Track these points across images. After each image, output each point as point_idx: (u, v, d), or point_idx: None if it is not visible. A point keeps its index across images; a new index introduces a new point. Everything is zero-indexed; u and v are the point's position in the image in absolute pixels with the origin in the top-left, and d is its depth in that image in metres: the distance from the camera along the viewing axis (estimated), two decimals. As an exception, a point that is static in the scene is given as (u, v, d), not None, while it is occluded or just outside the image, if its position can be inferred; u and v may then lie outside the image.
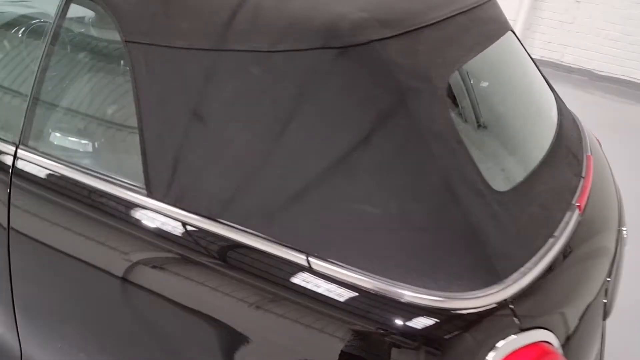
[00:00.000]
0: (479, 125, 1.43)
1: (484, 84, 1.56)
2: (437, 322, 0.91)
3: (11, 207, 1.27)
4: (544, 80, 1.74)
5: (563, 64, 6.34)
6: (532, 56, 1.78)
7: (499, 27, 1.52)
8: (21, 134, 1.27)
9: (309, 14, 1.06)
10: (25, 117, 1.28)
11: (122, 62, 1.23)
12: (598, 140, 1.84)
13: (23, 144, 1.27)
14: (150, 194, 1.11)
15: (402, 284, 0.93)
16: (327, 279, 0.96)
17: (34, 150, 1.26)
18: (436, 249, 0.96)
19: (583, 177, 1.38)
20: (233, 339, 1.05)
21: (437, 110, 1.04)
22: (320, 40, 1.02)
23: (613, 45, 6.03)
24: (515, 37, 1.68)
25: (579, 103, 4.32)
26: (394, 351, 0.91)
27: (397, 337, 0.91)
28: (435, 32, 1.16)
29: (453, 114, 1.11)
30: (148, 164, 1.10)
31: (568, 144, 1.49)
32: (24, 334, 1.40)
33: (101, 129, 1.30)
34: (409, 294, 0.92)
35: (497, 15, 1.55)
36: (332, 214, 0.98)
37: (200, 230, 1.06)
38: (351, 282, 0.95)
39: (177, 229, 1.08)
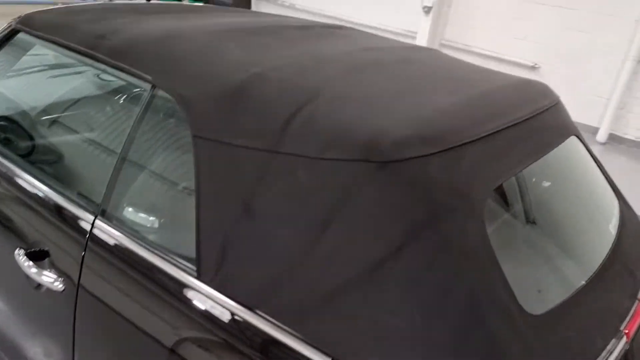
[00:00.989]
0: (526, 233, 1.42)
1: (536, 187, 1.55)
2: None
3: (83, 267, 1.42)
4: (609, 187, 1.69)
5: (659, 146, 5.96)
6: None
7: (560, 133, 1.52)
8: (100, 206, 1.44)
9: (355, 127, 1.14)
10: (105, 191, 1.44)
11: (189, 153, 1.37)
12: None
13: (101, 215, 1.43)
14: (199, 277, 1.20)
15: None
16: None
17: (109, 221, 1.41)
18: None
19: (638, 300, 1.31)
20: None
21: (472, 227, 1.06)
22: (363, 153, 1.09)
23: None
24: (580, 142, 1.66)
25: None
26: None
27: None
28: (481, 147, 1.19)
29: (493, 226, 1.13)
30: (201, 249, 1.20)
31: (625, 260, 1.43)
32: None
33: (166, 210, 1.44)
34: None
35: (558, 121, 1.54)
36: (359, 320, 1.02)
37: (240, 318, 1.14)
38: None
39: (221, 314, 1.16)
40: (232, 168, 1.20)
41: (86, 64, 1.65)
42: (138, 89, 1.62)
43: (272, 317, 1.09)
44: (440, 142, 1.12)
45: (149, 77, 1.40)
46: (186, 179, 1.39)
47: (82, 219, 1.45)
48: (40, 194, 1.56)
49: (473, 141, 1.18)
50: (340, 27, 2.05)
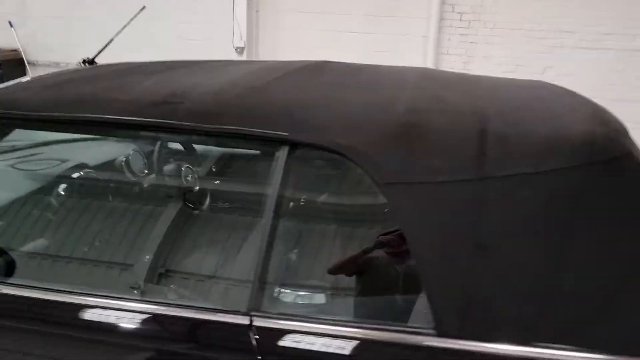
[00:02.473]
0: None
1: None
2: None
3: None
4: None
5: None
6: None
7: None
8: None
9: (564, 134, 1.16)
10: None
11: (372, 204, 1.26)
12: None
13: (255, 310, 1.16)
14: (441, 334, 1.08)
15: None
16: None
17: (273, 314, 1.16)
18: None
19: None
20: None
21: None
22: (585, 157, 1.10)
23: None
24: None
25: None
26: None
27: None
28: None
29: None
30: (436, 304, 1.08)
31: None
32: None
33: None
34: None
35: None
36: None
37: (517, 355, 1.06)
38: None
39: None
40: (443, 206, 1.12)
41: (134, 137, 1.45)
42: (262, 150, 1.41)
43: (552, 342, 1.05)
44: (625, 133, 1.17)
45: (284, 135, 1.23)
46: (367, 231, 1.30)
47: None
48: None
49: None
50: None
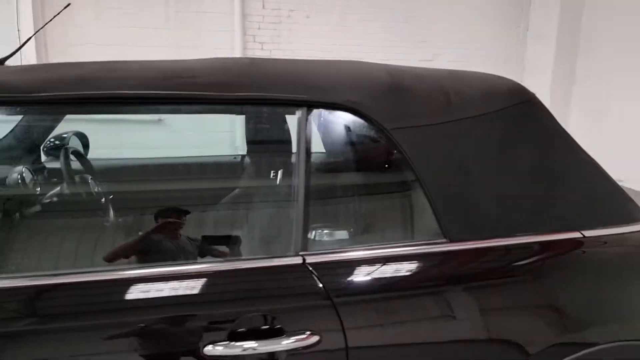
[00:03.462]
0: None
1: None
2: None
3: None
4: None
5: None
6: None
7: None
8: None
9: (497, 86, 1.56)
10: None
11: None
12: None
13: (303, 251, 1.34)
14: (450, 240, 1.37)
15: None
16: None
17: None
18: None
19: None
20: None
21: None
22: (516, 98, 1.51)
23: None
24: None
25: None
26: None
27: None
28: None
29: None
30: (441, 218, 1.36)
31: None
32: None
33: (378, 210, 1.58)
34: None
35: None
36: None
37: (504, 247, 1.40)
38: None
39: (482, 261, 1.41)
40: (432, 141, 1.40)
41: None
42: (278, 112, 1.58)
43: (522, 231, 1.42)
44: None
45: (305, 97, 1.38)
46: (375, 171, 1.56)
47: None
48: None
49: None
50: None
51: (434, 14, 7.22)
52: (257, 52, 6.85)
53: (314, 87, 1.39)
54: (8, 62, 1.67)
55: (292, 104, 1.36)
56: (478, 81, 1.58)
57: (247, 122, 1.69)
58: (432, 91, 1.48)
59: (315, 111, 1.38)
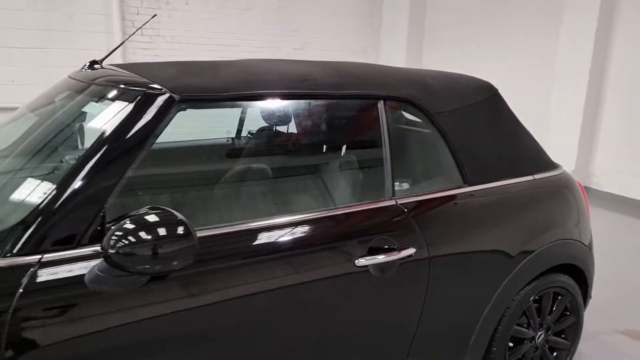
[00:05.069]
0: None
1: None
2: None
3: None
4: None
5: None
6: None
7: None
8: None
9: (472, 84, 2.25)
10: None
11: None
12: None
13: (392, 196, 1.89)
14: (467, 183, 2.01)
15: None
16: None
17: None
18: None
19: None
20: None
21: None
22: (487, 93, 2.23)
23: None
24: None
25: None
26: None
27: None
28: None
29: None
30: (464, 168, 2.00)
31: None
32: None
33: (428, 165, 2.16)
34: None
35: None
36: None
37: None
38: None
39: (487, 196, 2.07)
40: (455, 122, 2.04)
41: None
42: (368, 104, 2.00)
43: (507, 178, 2.15)
44: None
45: (383, 93, 1.92)
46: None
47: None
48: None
49: None
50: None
51: (303, 5, 7.87)
52: (137, 37, 6.80)
53: (387, 86, 1.95)
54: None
55: (376, 98, 1.91)
56: (465, 81, 2.26)
57: (348, 111, 2.20)
58: (445, 89, 2.12)
59: (388, 102, 1.94)
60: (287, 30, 7.78)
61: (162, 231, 1.23)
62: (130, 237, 1.21)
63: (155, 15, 2.55)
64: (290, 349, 1.63)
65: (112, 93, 1.64)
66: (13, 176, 1.63)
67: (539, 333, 2.25)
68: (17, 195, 1.49)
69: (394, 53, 8.28)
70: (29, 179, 1.52)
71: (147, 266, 1.23)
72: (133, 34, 2.22)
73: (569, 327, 2.38)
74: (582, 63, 5.90)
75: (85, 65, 1.87)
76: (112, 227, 1.24)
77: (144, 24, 2.36)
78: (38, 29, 6.21)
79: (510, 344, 2.19)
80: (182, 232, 1.25)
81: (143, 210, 1.28)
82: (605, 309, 3.17)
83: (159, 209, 1.28)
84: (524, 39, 6.79)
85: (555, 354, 2.37)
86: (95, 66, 1.87)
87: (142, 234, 1.22)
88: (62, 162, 1.67)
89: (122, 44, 2.11)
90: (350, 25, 8.33)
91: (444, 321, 1.97)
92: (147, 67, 1.85)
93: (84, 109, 1.68)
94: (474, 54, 7.39)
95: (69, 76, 2.00)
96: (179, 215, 1.27)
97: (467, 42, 7.55)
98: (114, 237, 1.21)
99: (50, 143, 1.72)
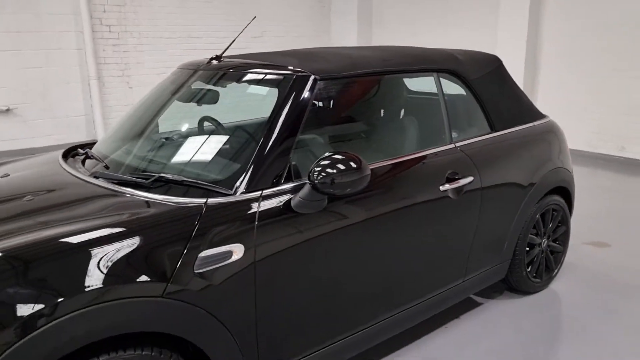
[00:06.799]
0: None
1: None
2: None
3: None
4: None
5: None
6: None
7: None
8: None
9: (484, 56, 2.94)
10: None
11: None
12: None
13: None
14: (494, 130, 2.69)
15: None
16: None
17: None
18: None
19: None
20: None
21: None
22: (496, 63, 2.93)
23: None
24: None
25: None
26: None
27: None
28: None
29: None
30: (490, 117, 2.68)
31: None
32: None
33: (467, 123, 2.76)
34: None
35: None
36: None
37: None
38: None
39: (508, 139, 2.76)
40: (483, 85, 2.70)
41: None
42: (430, 77, 2.60)
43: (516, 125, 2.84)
44: None
45: (437, 67, 2.55)
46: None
47: None
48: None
49: None
50: None
51: (259, -5, 8.30)
52: (106, 34, 6.97)
53: (436, 62, 2.59)
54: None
55: (431, 71, 2.55)
56: (480, 55, 2.92)
57: (418, 82, 2.81)
58: (473, 61, 2.79)
59: (440, 74, 2.59)
60: (247, 18, 8.17)
61: (346, 165, 1.78)
62: (328, 169, 1.76)
63: (255, 17, 2.99)
64: (402, 255, 2.24)
65: (268, 77, 2.17)
66: (217, 142, 2.23)
67: (543, 240, 3.02)
68: (234, 152, 2.03)
69: (345, 36, 8.93)
70: (234, 142, 2.09)
71: (339, 190, 1.79)
72: (239, 34, 2.66)
73: (561, 235, 3.17)
74: (520, 32, 6.88)
75: (211, 58, 2.34)
76: (314, 166, 1.78)
77: (248, 24, 2.84)
78: (9, 31, 6.26)
79: (527, 249, 2.95)
80: (357, 166, 1.81)
81: (331, 152, 1.81)
82: (575, 228, 4.04)
83: (339, 152, 1.82)
84: (468, 12, 7.68)
85: (553, 256, 3.15)
86: (213, 61, 2.35)
87: (337, 166, 1.76)
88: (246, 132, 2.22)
89: (236, 38, 2.57)
90: (302, 12, 8.87)
91: (487, 237, 2.66)
92: (260, 56, 2.39)
93: (248, 90, 2.21)
94: (421, 30, 8.20)
95: (180, 67, 2.48)
96: (356, 155, 1.83)
97: (414, 20, 8.34)
98: (316, 171, 1.75)
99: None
